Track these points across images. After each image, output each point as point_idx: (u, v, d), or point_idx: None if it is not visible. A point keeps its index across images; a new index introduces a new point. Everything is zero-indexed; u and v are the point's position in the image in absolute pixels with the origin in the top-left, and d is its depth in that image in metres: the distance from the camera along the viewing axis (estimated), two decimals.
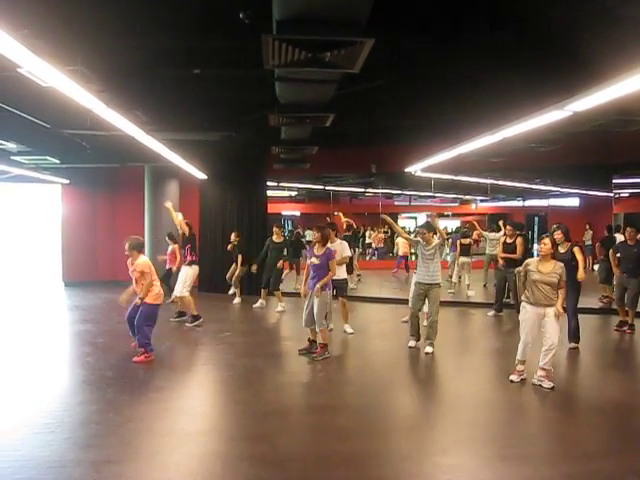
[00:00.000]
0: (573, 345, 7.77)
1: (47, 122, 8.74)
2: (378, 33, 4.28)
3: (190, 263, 9.69)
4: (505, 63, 6.12)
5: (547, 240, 6.19)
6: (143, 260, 7.10)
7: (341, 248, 8.84)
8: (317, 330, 7.38)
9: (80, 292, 13.25)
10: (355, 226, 14.61)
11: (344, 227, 13.56)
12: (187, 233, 9.80)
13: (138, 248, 7.13)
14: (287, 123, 8.05)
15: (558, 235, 7.29)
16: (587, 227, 16.05)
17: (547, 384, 6.03)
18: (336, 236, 9.12)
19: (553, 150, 10.28)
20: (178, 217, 9.83)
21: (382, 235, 20.33)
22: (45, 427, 4.80)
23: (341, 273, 8.73)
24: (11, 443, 4.50)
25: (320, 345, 7.38)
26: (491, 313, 10.53)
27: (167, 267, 11.18)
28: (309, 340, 7.58)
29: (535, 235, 19.93)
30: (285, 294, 11.38)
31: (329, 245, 7.65)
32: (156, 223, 12.81)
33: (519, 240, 10.06)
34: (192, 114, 8.80)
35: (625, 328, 9.00)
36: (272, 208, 16.06)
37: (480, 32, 5.40)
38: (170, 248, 11.20)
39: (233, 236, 11.52)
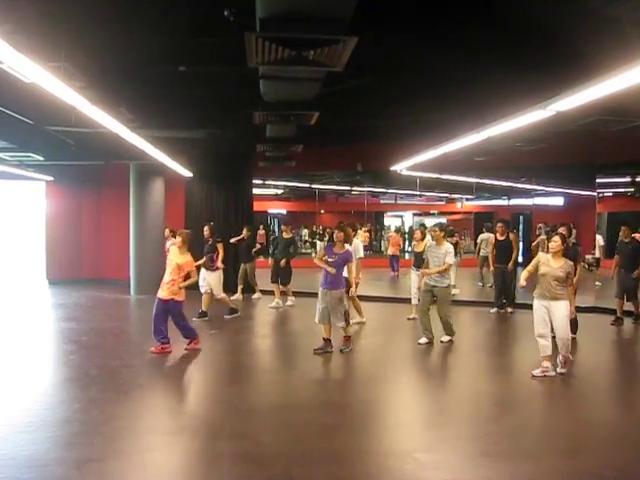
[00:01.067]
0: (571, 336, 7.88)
1: (31, 118, 8.66)
2: (363, 31, 4.30)
3: (216, 269, 9.73)
4: (490, 62, 6.15)
5: (557, 238, 6.45)
6: (191, 260, 7.47)
7: (356, 249, 8.90)
8: (340, 327, 7.41)
9: (64, 290, 13.15)
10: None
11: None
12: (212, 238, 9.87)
13: (188, 243, 7.51)
14: (272, 121, 8.06)
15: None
16: (571, 226, 16.17)
17: (559, 369, 6.37)
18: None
19: (538, 149, 10.39)
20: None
21: (366, 234, 20.32)
22: (27, 426, 4.76)
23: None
24: None
25: (345, 337, 7.53)
26: (494, 310, 10.64)
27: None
28: (324, 339, 7.50)
29: (521, 234, 20.09)
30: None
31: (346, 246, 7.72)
32: (141, 221, 12.74)
33: (513, 236, 10.32)
34: (177, 111, 8.76)
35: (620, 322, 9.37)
36: (258, 206, 16.04)
37: (464, 31, 5.42)
38: (169, 244, 11.29)
39: (245, 231, 11.45)
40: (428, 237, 9.90)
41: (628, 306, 9.53)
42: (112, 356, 7.20)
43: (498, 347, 8.38)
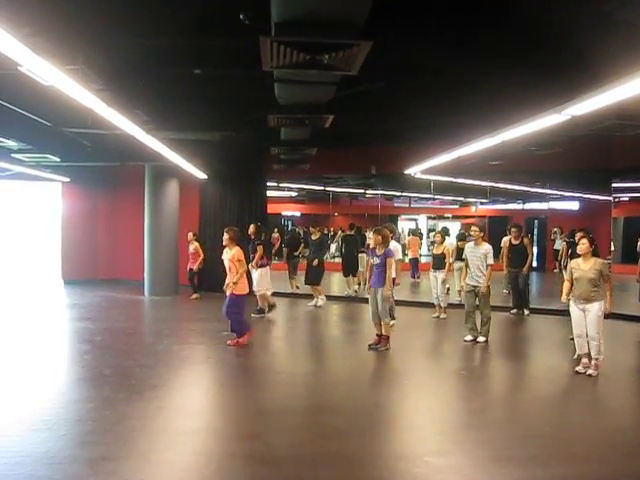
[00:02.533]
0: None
1: (48, 120, 8.76)
2: (377, 35, 4.31)
3: (262, 265, 10.01)
4: (504, 66, 6.13)
5: (585, 240, 6.64)
6: (239, 250, 7.72)
7: (395, 250, 9.02)
8: (385, 323, 7.75)
9: (79, 290, 13.28)
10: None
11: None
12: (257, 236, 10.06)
13: (237, 239, 7.75)
14: (286, 124, 8.07)
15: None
16: (590, 231, 16.03)
17: (590, 371, 6.51)
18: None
19: (553, 153, 10.30)
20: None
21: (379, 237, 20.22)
22: (42, 424, 4.82)
23: None
24: (8, 439, 4.53)
25: (383, 337, 7.75)
26: (514, 310, 10.80)
27: (188, 267, 11.69)
28: (377, 335, 7.83)
29: (535, 238, 19.94)
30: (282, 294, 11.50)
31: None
32: (156, 222, 12.83)
33: (527, 241, 10.42)
34: (192, 114, 8.82)
35: None
36: (272, 208, 16.07)
37: (480, 35, 5.42)
38: (192, 247, 11.62)
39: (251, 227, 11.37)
40: (448, 240, 10.22)
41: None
42: (126, 356, 7.26)
43: (514, 351, 8.34)
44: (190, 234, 12.05)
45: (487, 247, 8.24)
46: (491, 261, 8.16)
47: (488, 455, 4.46)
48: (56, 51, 4.51)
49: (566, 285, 6.72)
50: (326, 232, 22.96)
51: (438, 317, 10.30)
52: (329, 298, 12.37)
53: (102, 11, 4.86)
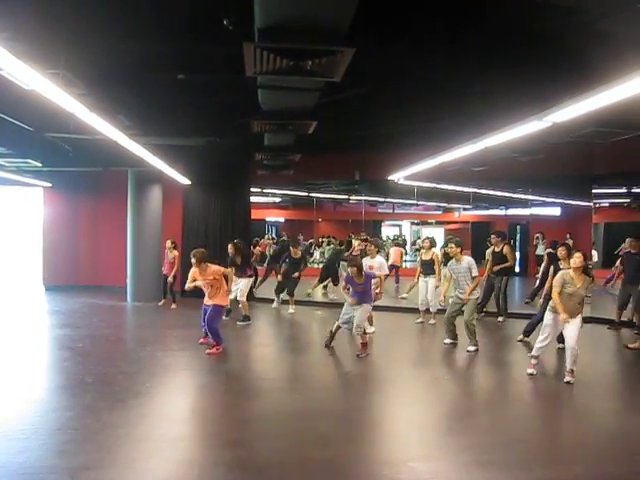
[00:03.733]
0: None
1: (30, 125, 8.67)
2: (360, 42, 4.33)
3: (250, 276, 10.38)
4: (487, 73, 6.21)
5: (579, 254, 6.53)
6: (216, 267, 7.79)
7: (379, 266, 9.29)
8: (355, 335, 7.87)
9: (61, 296, 13.11)
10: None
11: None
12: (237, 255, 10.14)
13: (205, 259, 7.70)
14: (270, 130, 8.09)
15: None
16: (568, 237, 16.24)
17: (567, 378, 6.48)
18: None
19: (535, 160, 10.42)
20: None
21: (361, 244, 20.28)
22: (20, 433, 4.74)
23: None
24: None
25: (362, 344, 7.81)
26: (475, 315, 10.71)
27: (164, 273, 11.64)
28: (330, 332, 8.18)
29: (517, 244, 20.13)
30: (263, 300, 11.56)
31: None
32: (139, 228, 12.73)
33: (507, 249, 10.37)
34: (176, 119, 8.78)
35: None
36: (256, 214, 16.07)
37: (462, 42, 5.47)
38: (171, 255, 11.56)
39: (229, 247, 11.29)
40: (434, 249, 10.33)
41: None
42: (108, 363, 7.18)
43: (495, 357, 8.37)
44: (169, 242, 11.86)
45: (468, 260, 8.13)
46: (476, 273, 8.07)
47: (472, 460, 4.47)
48: (37, 55, 4.47)
49: (559, 305, 6.42)
50: (311, 241, 23.03)
51: (423, 322, 10.32)
52: (310, 304, 12.41)
53: (83, 15, 4.83)
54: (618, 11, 4.46)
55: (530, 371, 6.80)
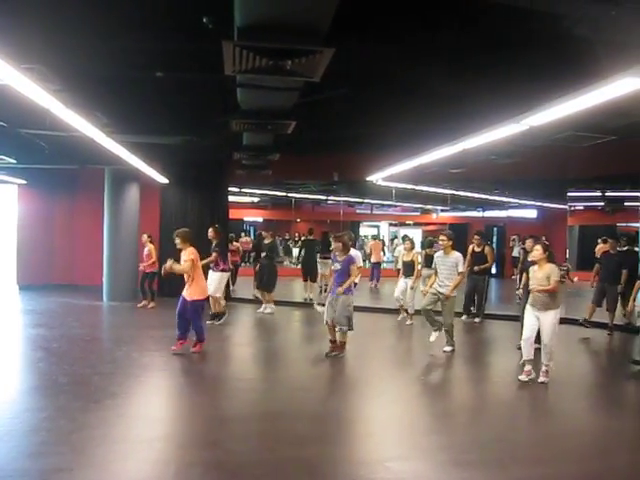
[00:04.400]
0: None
1: (3, 121, 8.51)
2: (340, 42, 4.33)
3: (224, 270, 9.98)
4: (465, 75, 6.26)
5: (538, 247, 6.64)
6: (192, 249, 7.46)
7: (356, 258, 9.12)
8: (337, 330, 7.62)
9: (35, 295, 12.91)
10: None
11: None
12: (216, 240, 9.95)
13: (189, 240, 7.50)
14: (249, 129, 8.05)
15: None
16: (544, 239, 16.42)
17: (542, 379, 6.51)
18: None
19: (512, 163, 10.52)
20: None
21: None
22: None
23: None
24: None
25: (339, 344, 7.67)
26: (463, 318, 10.82)
27: (142, 269, 11.50)
28: (331, 341, 7.76)
29: (494, 245, 20.34)
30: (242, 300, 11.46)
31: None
32: (115, 227, 12.59)
33: (488, 249, 10.55)
34: (154, 117, 8.70)
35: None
36: (234, 214, 16.00)
37: (441, 44, 5.51)
38: (146, 249, 11.42)
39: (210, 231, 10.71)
40: (417, 248, 10.43)
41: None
42: (83, 363, 7.09)
43: (472, 357, 8.45)
44: (145, 235, 11.72)
45: (457, 256, 8.10)
46: (462, 269, 8.09)
47: (449, 459, 4.50)
48: (10, 49, 4.39)
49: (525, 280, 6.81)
50: (288, 237, 22.94)
51: (405, 321, 10.38)
52: (288, 304, 12.35)
53: (60, 10, 4.76)
54: (594, 17, 4.53)
55: (523, 378, 6.59)
